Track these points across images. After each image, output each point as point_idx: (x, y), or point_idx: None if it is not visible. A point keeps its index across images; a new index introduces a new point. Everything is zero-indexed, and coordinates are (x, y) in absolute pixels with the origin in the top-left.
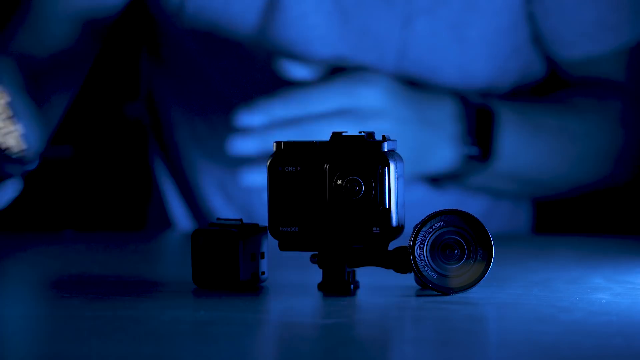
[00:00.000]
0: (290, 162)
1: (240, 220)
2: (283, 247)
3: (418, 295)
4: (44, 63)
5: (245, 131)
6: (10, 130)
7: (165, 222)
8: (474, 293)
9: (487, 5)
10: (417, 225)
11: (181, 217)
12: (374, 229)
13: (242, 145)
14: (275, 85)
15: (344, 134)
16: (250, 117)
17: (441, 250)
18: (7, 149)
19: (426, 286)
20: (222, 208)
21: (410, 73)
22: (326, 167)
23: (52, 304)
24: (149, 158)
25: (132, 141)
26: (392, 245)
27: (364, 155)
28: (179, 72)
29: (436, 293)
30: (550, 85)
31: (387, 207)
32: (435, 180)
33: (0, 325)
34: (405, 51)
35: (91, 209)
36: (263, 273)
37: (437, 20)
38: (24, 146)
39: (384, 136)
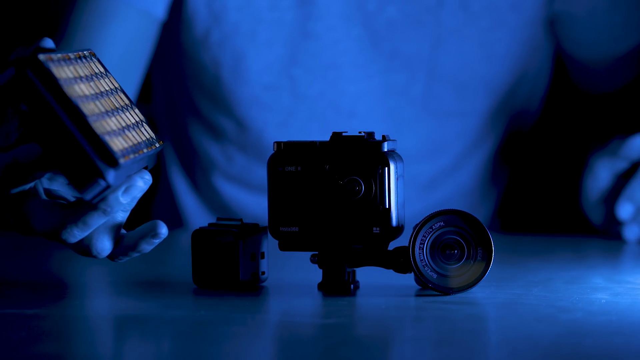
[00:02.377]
0: (290, 162)
1: (241, 220)
2: (283, 247)
3: (418, 295)
4: None
5: None
6: (139, 120)
7: (176, 220)
8: (474, 293)
9: (515, 21)
10: (417, 225)
11: (194, 215)
12: (374, 229)
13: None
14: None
15: (344, 134)
16: None
17: (441, 250)
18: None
19: (426, 286)
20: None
21: (439, 92)
22: (326, 167)
23: (53, 303)
24: (161, 156)
25: None
26: (392, 245)
27: (364, 155)
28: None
29: (436, 293)
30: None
31: (387, 207)
32: None
33: (0, 325)
34: (435, 71)
35: None
36: (263, 273)
37: (466, 40)
38: (152, 133)
39: (384, 136)
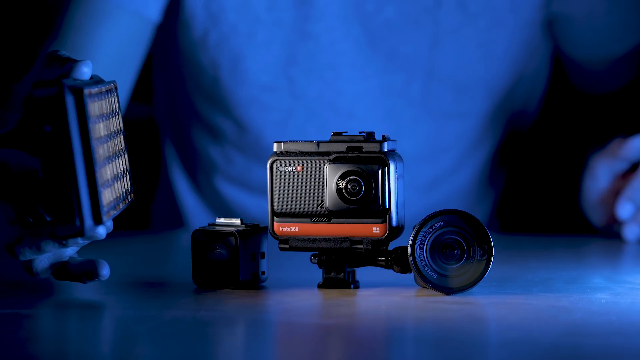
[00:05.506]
0: (290, 162)
1: (241, 220)
2: (283, 247)
3: (418, 295)
4: None
5: None
6: (125, 167)
7: (177, 221)
8: (474, 293)
9: (513, 21)
10: (417, 225)
11: (194, 215)
12: (374, 229)
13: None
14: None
15: (344, 134)
16: None
17: (441, 250)
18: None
19: (426, 286)
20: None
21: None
22: (326, 167)
23: (51, 304)
24: (162, 156)
25: (139, 141)
26: (392, 245)
27: (364, 155)
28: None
29: (436, 293)
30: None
31: (387, 207)
32: None
33: (0, 325)
34: (433, 71)
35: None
36: (263, 273)
37: (464, 40)
38: (129, 185)
39: (384, 136)
